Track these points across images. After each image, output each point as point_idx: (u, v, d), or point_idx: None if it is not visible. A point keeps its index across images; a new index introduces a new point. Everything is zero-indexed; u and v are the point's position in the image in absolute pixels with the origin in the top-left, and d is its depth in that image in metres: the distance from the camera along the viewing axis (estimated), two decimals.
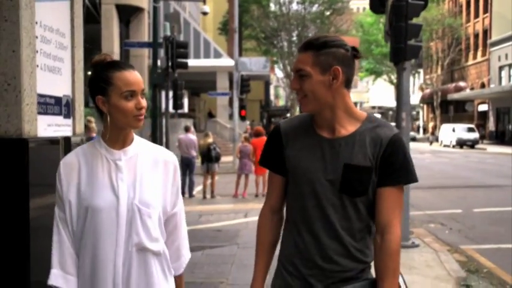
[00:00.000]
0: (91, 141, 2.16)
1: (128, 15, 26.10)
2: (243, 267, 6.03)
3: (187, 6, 39.00)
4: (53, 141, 3.55)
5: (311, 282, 2.06)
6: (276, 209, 2.24)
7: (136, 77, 2.04)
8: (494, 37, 42.38)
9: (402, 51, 7.09)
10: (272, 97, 61.86)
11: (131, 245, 2.02)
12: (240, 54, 31.06)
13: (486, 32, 44.58)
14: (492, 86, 41.35)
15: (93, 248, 2.02)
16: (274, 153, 2.19)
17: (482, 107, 44.96)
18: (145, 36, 26.32)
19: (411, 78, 54.21)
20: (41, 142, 3.37)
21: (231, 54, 30.93)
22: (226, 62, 30.33)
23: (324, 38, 2.05)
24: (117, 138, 2.09)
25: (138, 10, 26.22)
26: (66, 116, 3.88)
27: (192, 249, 2.31)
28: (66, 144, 3.68)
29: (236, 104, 22.93)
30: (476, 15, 46.63)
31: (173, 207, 2.15)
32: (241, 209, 10.95)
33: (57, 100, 3.73)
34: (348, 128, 2.07)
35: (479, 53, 46.00)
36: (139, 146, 2.14)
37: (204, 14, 26.11)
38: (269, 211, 2.24)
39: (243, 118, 28.07)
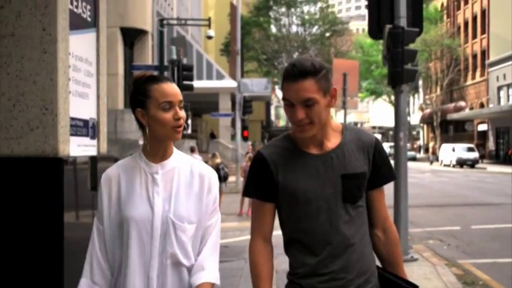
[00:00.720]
0: (133, 155, 2.23)
1: (132, 38, 26.60)
2: (250, 279, 6.37)
3: (190, 28, 39.60)
4: (82, 160, 3.91)
5: None
6: (269, 238, 2.20)
7: (174, 89, 2.09)
8: (492, 58, 42.93)
9: (399, 75, 7.50)
10: (273, 117, 62.22)
11: (165, 257, 2.04)
12: (242, 76, 31.55)
13: (484, 53, 45.09)
14: (491, 106, 41.75)
15: (128, 259, 2.05)
16: (263, 181, 2.16)
17: (482, 127, 45.32)
18: (149, 58, 26.80)
19: (411, 99, 54.93)
20: (72, 161, 3.73)
21: (232, 76, 31.40)
22: (229, 83, 30.82)
23: (317, 61, 2.06)
24: (156, 151, 2.13)
25: (142, 33, 26.69)
26: (92, 137, 4.26)
27: None
28: (92, 163, 4.03)
29: (239, 124, 23.35)
30: (474, 36, 47.21)
31: (208, 220, 2.15)
32: (246, 227, 11.24)
33: (85, 123, 4.12)
34: (333, 141, 2.15)
35: (477, 74, 46.49)
36: (178, 159, 2.17)
37: (209, 38, 26.56)
38: (262, 242, 2.18)
39: (245, 139, 28.50)
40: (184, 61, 22.00)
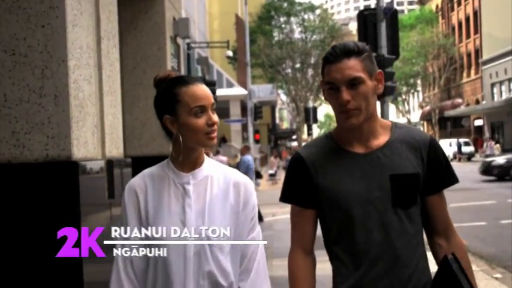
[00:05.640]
0: (161, 163, 2.01)
1: None
2: (282, 239, 8.79)
3: (197, 38, 41.79)
4: None
5: None
6: (310, 249, 2.01)
7: (205, 91, 1.88)
8: (485, 56, 44.47)
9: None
10: (277, 120, 64.02)
11: (202, 277, 1.85)
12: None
13: (478, 52, 46.70)
14: (484, 102, 43.73)
15: (161, 280, 1.87)
16: (302, 186, 1.97)
17: (478, 122, 46.85)
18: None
19: (410, 98, 56.79)
20: None
21: (240, 83, 33.68)
22: (238, 91, 33.09)
23: (360, 43, 1.92)
24: (187, 160, 1.92)
25: None
26: None
27: None
28: None
29: (251, 129, 25.82)
30: (468, 36, 48.96)
31: (247, 235, 1.95)
32: (266, 213, 13.61)
33: None
34: (380, 138, 1.95)
35: (472, 71, 48.18)
36: (210, 168, 1.96)
37: (228, 57, 28.94)
38: (303, 253, 1.99)
39: (257, 141, 30.82)
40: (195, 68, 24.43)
